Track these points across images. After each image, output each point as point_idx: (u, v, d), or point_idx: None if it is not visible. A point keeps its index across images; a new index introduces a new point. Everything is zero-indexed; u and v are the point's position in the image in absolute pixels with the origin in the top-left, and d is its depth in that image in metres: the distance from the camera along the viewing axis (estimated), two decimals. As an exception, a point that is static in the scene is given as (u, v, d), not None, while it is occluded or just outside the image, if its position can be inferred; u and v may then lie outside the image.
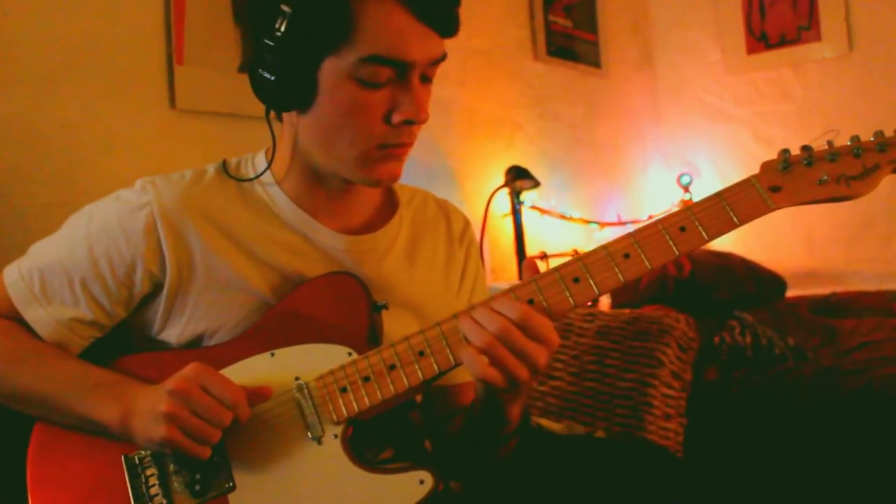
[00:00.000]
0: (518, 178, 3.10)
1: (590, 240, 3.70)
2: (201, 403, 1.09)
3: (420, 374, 1.14)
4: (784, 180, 1.17)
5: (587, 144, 3.91)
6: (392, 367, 1.15)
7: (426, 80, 1.21)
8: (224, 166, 1.32)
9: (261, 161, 1.33)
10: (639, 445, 1.83)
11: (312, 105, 1.19)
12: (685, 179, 4.11)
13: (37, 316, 1.24)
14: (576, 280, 1.15)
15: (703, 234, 1.15)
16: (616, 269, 1.14)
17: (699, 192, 4.09)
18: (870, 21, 3.84)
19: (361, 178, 1.24)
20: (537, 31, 3.62)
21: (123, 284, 1.24)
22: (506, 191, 3.24)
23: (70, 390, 1.19)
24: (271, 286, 1.26)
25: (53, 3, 2.00)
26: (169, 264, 1.23)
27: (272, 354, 1.21)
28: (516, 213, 3.24)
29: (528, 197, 3.30)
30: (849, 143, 1.19)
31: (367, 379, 1.15)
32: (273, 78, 1.18)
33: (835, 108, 3.86)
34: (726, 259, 3.43)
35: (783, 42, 4.03)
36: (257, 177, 1.30)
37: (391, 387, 1.14)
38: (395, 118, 1.18)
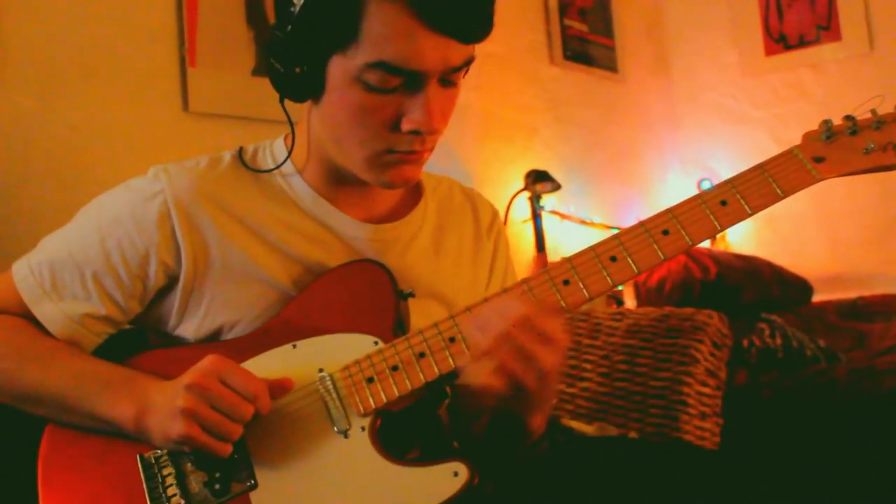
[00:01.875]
0: (538, 181, 3.04)
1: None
2: (221, 397, 1.03)
3: (451, 362, 1.08)
4: (828, 150, 1.12)
5: (604, 149, 3.86)
6: (421, 355, 1.09)
7: (448, 84, 1.12)
8: (240, 154, 1.27)
9: (279, 148, 1.28)
10: (675, 446, 1.76)
11: (321, 100, 1.14)
12: (705, 185, 4.05)
13: (47, 312, 1.18)
14: (613, 259, 1.09)
15: (746, 206, 1.09)
16: (655, 246, 1.08)
17: (720, 197, 4.02)
18: (890, 19, 3.78)
19: (372, 180, 1.18)
20: (553, 36, 3.57)
21: (137, 277, 1.18)
22: (525, 195, 3.18)
23: (82, 388, 1.13)
24: (291, 277, 1.20)
25: (63, 4, 1.97)
26: (184, 255, 1.18)
27: (294, 346, 1.15)
28: (536, 218, 3.18)
29: (547, 202, 3.24)
30: (894, 111, 1.14)
31: (395, 368, 1.09)
32: (283, 69, 1.13)
33: (856, 108, 3.79)
34: (751, 263, 3.36)
35: (802, 43, 3.97)
36: (277, 167, 1.25)
37: (421, 375, 1.08)
38: (404, 126, 1.10)
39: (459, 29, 1.07)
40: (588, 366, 2.05)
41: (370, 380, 1.09)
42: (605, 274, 1.08)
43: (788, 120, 4.02)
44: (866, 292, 3.70)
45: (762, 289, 3.23)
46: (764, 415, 2.39)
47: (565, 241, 3.41)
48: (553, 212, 3.29)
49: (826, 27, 3.91)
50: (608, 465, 1.48)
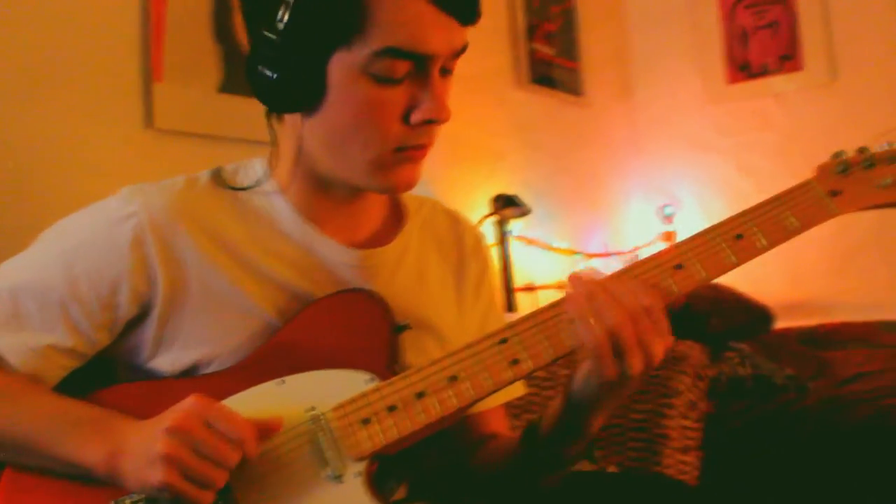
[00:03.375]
0: (507, 205, 3.00)
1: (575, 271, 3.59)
2: (205, 442, 0.95)
3: (455, 401, 1.01)
4: (843, 184, 1.09)
5: (570, 174, 3.83)
6: (421, 395, 1.02)
7: (446, 72, 1.08)
8: (219, 174, 1.19)
9: (261, 167, 1.20)
10: (656, 480, 1.71)
11: (320, 105, 1.06)
12: (668, 210, 4.04)
13: (7, 343, 1.07)
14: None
15: (763, 241, 1.05)
16: (671, 281, 1.03)
17: (682, 224, 4.03)
18: (853, 50, 3.82)
19: (375, 186, 1.12)
20: (521, 59, 3.54)
21: (106, 307, 1.09)
22: (492, 220, 3.13)
23: (47, 428, 1.03)
24: (276, 305, 1.12)
25: (22, 14, 1.87)
26: (160, 282, 1.09)
27: (281, 382, 1.07)
28: (504, 243, 3.13)
29: (514, 227, 3.19)
30: (909, 144, 1.11)
31: (392, 408, 1.02)
32: (275, 76, 1.04)
33: (819, 137, 3.83)
34: (717, 290, 3.34)
35: (765, 71, 4.00)
36: (258, 185, 1.17)
37: (422, 416, 1.01)
38: (415, 117, 1.05)
39: (462, 9, 1.04)
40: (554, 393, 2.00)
41: (366, 420, 1.02)
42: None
43: (752, 148, 4.04)
44: (826, 320, 3.72)
45: (728, 316, 3.22)
46: (735, 445, 2.36)
47: (531, 266, 3.36)
48: (520, 237, 3.25)
49: (789, 57, 3.94)
50: (590, 499, 1.43)
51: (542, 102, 3.67)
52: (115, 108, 2.06)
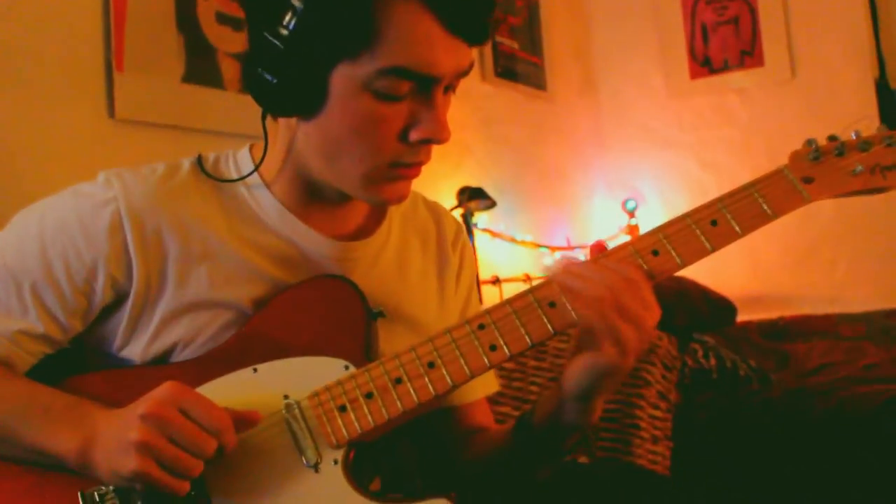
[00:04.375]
0: (473, 198, 2.99)
1: (539, 264, 3.61)
2: (180, 430, 0.93)
3: (431, 389, 1.01)
4: (816, 171, 1.09)
5: (534, 169, 3.84)
6: (398, 381, 1.01)
7: (449, 89, 1.06)
8: (200, 162, 1.16)
9: (244, 159, 1.17)
10: (628, 470, 1.72)
11: (318, 113, 1.03)
12: (630, 205, 4.07)
13: None
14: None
15: (736, 228, 1.05)
16: (646, 267, 1.03)
17: (644, 218, 4.05)
18: (811, 47, 3.87)
19: (365, 197, 1.10)
20: (485, 52, 3.54)
21: (81, 292, 1.07)
22: (458, 212, 3.12)
23: (16, 416, 1.01)
24: (252, 296, 1.11)
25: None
26: (136, 270, 1.07)
27: (255, 370, 1.05)
28: (469, 236, 3.12)
29: (479, 219, 3.19)
30: (877, 132, 1.12)
31: (369, 395, 1.01)
32: (275, 80, 1.01)
33: (779, 133, 3.87)
34: (680, 283, 3.37)
35: (727, 67, 4.04)
36: (242, 178, 1.15)
37: (398, 403, 1.00)
38: (413, 136, 1.03)
39: (474, 30, 1.01)
40: (534, 388, 2.00)
41: (342, 408, 1.01)
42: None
43: (714, 143, 4.08)
44: (787, 313, 3.77)
45: (691, 309, 3.24)
46: (701, 436, 2.38)
47: (497, 258, 3.36)
48: (485, 230, 3.25)
49: (749, 52, 3.98)
50: (562, 490, 1.42)
51: (507, 96, 3.67)
52: (76, 98, 2.02)
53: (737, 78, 4.03)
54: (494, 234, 3.29)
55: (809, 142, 1.12)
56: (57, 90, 1.97)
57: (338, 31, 0.97)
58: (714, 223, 1.05)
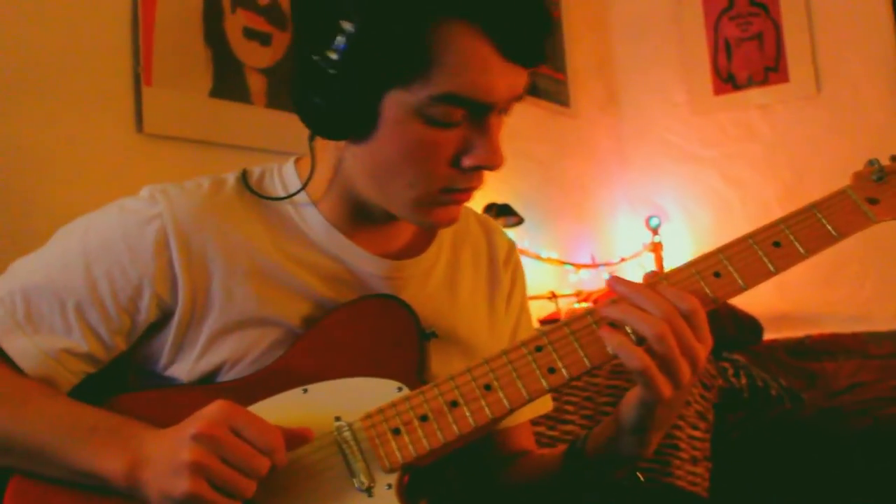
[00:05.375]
0: (500, 215, 2.96)
1: (564, 282, 3.57)
2: (234, 450, 0.91)
3: (488, 412, 0.98)
4: (880, 192, 1.07)
5: (557, 185, 3.81)
6: (454, 404, 0.99)
7: (503, 112, 1.04)
8: (245, 178, 1.14)
9: (290, 174, 1.15)
10: (669, 492, 1.68)
11: (368, 137, 1.01)
12: (654, 222, 4.03)
13: (20, 346, 1.03)
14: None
15: (801, 249, 1.02)
16: (707, 290, 1.01)
17: (668, 235, 4.02)
18: (836, 63, 3.84)
19: (415, 220, 1.08)
20: (509, 68, 3.52)
21: (126, 311, 1.05)
22: (483, 229, 3.10)
23: (61, 435, 0.98)
24: (301, 315, 1.09)
25: (11, 16, 1.81)
26: (182, 288, 1.05)
27: (305, 391, 1.03)
28: (495, 253, 3.10)
29: (506, 236, 3.16)
30: (944, 153, 1.09)
31: (424, 418, 0.99)
32: (323, 104, 0.99)
33: (803, 149, 3.84)
34: (707, 300, 3.34)
35: (750, 83, 4.01)
36: (289, 196, 1.13)
37: (454, 427, 0.98)
38: (466, 162, 1.01)
39: (530, 55, 0.99)
40: (570, 408, 1.97)
41: (396, 431, 0.99)
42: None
43: (737, 159, 4.04)
44: (814, 331, 3.72)
45: (719, 327, 3.21)
46: (735, 456, 2.34)
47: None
48: (511, 246, 3.22)
49: (774, 69, 3.95)
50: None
51: (530, 112, 3.65)
52: (104, 112, 2.00)
53: (760, 94, 4.00)
54: (520, 252, 3.25)
55: (872, 161, 1.09)
56: (85, 104, 1.96)
57: (390, 57, 0.95)
58: (777, 244, 1.03)
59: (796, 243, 1.02)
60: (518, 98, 1.02)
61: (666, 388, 0.94)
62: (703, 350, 0.96)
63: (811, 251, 1.02)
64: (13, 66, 1.81)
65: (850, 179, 1.08)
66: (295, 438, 0.96)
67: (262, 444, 0.92)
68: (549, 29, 1.01)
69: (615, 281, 1.00)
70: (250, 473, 0.91)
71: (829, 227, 1.03)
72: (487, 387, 0.99)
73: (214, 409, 0.93)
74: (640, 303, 0.96)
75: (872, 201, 1.05)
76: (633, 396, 1.01)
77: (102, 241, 1.06)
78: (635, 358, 0.94)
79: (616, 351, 0.95)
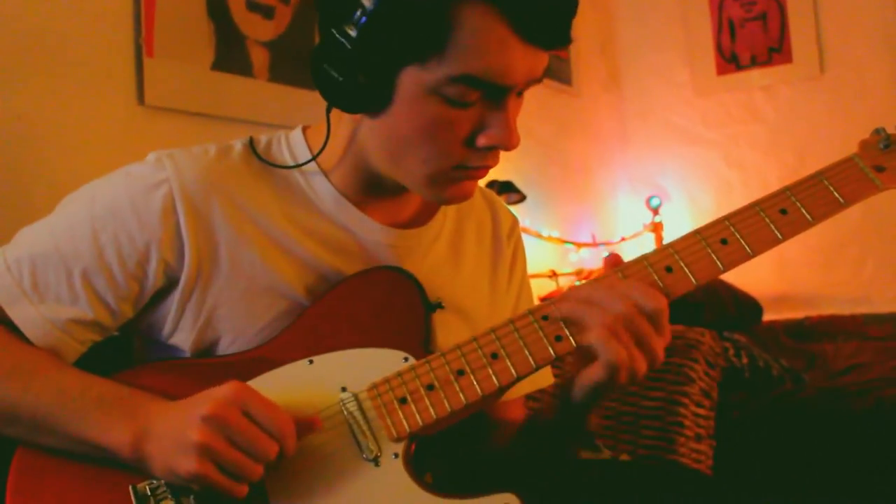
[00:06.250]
0: (503, 191, 2.96)
1: (564, 260, 3.57)
2: (244, 434, 0.90)
3: (495, 380, 0.98)
4: (887, 160, 1.06)
5: (559, 164, 3.80)
6: (461, 373, 0.98)
7: (520, 93, 1.03)
8: (253, 145, 1.13)
9: (298, 143, 1.14)
10: (672, 469, 1.68)
11: (384, 112, 1.01)
12: (654, 202, 4.03)
13: (26, 315, 1.02)
14: (668, 269, 1.01)
15: (808, 216, 1.02)
16: (714, 257, 1.00)
17: (669, 216, 4.01)
18: (841, 44, 3.82)
19: (428, 196, 1.08)
20: (512, 46, 3.50)
21: (133, 277, 1.04)
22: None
23: (68, 405, 0.97)
24: (306, 285, 1.08)
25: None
26: (188, 255, 1.04)
27: (310, 362, 1.03)
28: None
29: (507, 214, 3.16)
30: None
31: (430, 387, 0.98)
32: (341, 78, 0.99)
33: (806, 130, 3.83)
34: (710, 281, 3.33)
35: (754, 63, 4.00)
36: (299, 165, 1.12)
37: (461, 395, 0.97)
38: (481, 141, 1.00)
39: (551, 38, 0.98)
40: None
41: (403, 400, 0.98)
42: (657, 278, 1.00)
43: (740, 140, 4.03)
44: (813, 312, 3.72)
45: (720, 307, 3.21)
46: (736, 436, 2.34)
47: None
48: (513, 225, 3.21)
49: (778, 49, 3.94)
50: (604, 488, 1.40)
51: (533, 90, 3.58)
52: (106, 84, 1.99)
53: (764, 74, 3.98)
54: (522, 230, 3.25)
55: (878, 130, 1.09)
56: (87, 76, 1.95)
57: (410, 35, 0.95)
58: (783, 211, 1.03)
59: (803, 210, 1.02)
60: (538, 80, 1.01)
61: (622, 377, 0.95)
62: (661, 344, 0.97)
63: (818, 218, 1.02)
64: (15, 38, 1.80)
65: (856, 148, 1.08)
66: (305, 426, 0.96)
67: (274, 429, 0.91)
68: (571, 12, 0.99)
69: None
70: (258, 458, 0.91)
71: (837, 194, 1.03)
72: (494, 355, 0.98)
73: (226, 390, 0.92)
74: (596, 299, 0.97)
75: (879, 169, 1.05)
76: (584, 380, 0.98)
77: (109, 208, 1.05)
78: (621, 350, 0.94)
79: (592, 342, 0.97)
